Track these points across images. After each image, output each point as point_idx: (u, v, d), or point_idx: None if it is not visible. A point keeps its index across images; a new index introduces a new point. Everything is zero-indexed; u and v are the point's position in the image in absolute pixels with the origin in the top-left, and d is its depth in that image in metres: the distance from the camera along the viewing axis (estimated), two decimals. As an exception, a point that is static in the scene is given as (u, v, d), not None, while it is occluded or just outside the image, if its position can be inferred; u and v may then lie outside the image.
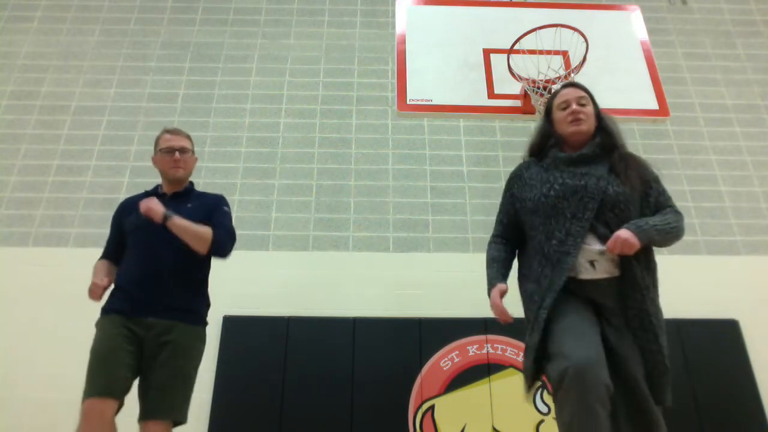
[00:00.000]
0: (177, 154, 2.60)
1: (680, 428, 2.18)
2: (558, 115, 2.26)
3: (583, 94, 2.26)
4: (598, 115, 2.26)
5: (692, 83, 5.36)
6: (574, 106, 2.21)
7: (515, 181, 2.30)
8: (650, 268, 2.07)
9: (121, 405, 2.27)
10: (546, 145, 2.28)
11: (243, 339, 4.08)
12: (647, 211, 2.11)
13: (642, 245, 1.97)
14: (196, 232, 2.44)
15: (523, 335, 2.11)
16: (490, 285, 2.20)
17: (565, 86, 2.36)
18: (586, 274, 2.02)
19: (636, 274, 1.99)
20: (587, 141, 2.21)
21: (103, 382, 2.23)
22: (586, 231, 2.02)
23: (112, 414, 2.22)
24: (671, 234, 2.08)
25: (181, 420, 2.36)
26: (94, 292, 2.43)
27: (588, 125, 2.21)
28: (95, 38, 5.39)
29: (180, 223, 2.41)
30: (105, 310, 2.45)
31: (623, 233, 1.95)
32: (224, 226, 2.56)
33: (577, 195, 2.06)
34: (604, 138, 2.20)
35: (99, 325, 2.43)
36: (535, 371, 2.03)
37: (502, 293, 2.15)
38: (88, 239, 4.40)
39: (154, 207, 2.39)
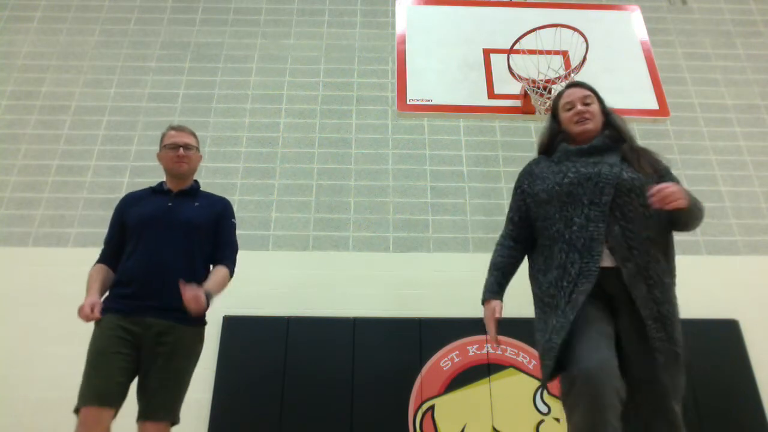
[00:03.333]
0: (181, 150, 2.63)
1: (680, 428, 2.17)
2: (564, 115, 2.25)
3: (587, 93, 2.25)
4: (605, 111, 2.25)
5: (692, 83, 5.35)
6: (579, 107, 2.20)
7: (525, 177, 2.27)
8: (651, 260, 1.99)
9: (117, 411, 2.28)
10: (554, 142, 2.27)
11: (243, 339, 4.08)
12: None
13: (687, 205, 1.92)
14: (224, 285, 2.56)
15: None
16: (485, 296, 2.16)
17: (569, 86, 2.34)
18: (606, 261, 1.98)
19: (639, 264, 1.95)
20: (596, 137, 2.19)
21: (99, 391, 2.24)
22: (606, 216, 1.99)
23: (109, 422, 2.24)
24: (699, 212, 2.05)
25: (176, 420, 2.38)
26: (85, 313, 2.35)
27: (594, 123, 2.20)
28: (95, 38, 5.39)
29: (216, 290, 2.48)
30: (103, 309, 2.44)
31: (671, 185, 1.89)
32: (231, 244, 2.66)
33: (591, 181, 2.04)
34: (612, 132, 2.19)
35: (97, 325, 2.42)
36: (553, 368, 1.93)
37: (496, 314, 2.09)
38: (88, 239, 4.39)
39: (202, 301, 2.34)
